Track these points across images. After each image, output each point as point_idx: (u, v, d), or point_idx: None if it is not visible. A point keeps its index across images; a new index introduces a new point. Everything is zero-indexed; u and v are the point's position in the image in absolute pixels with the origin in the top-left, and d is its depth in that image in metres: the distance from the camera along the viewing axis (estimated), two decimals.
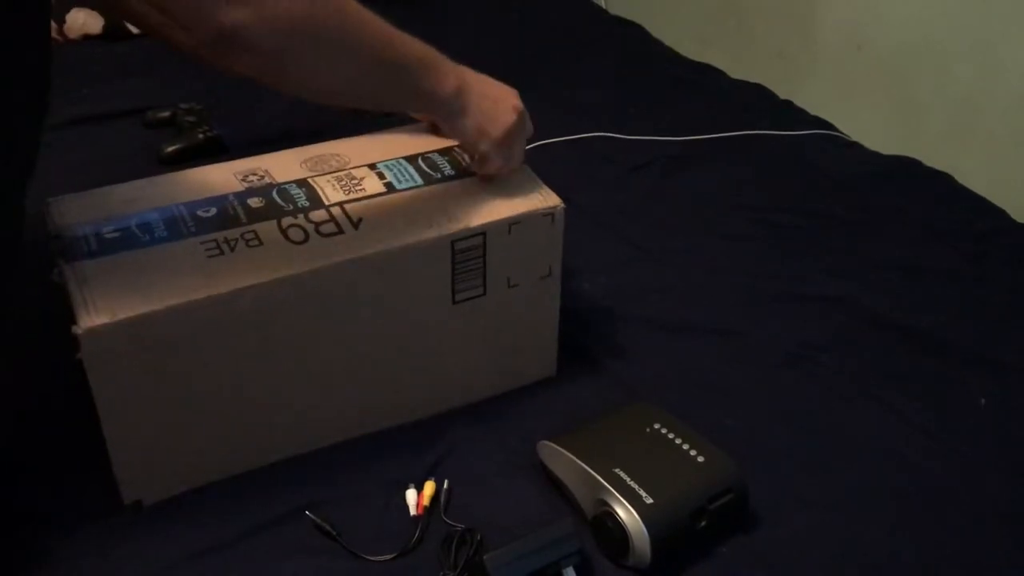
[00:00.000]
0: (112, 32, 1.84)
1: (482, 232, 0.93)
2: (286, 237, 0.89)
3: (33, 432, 0.97)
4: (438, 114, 0.96)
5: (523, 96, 0.98)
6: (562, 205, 0.96)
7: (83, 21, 1.85)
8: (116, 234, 0.88)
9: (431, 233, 0.91)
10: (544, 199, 0.97)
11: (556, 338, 1.05)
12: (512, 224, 0.94)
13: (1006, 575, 0.87)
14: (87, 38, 1.85)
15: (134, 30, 1.83)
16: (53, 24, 1.82)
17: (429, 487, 0.90)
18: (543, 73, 1.83)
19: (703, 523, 0.85)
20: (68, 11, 1.83)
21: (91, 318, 0.80)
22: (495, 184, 0.98)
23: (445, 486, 0.91)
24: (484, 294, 0.97)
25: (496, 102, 0.95)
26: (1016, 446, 1.00)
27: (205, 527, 0.87)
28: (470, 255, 0.94)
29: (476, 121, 0.94)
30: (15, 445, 0.95)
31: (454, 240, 0.92)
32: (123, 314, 0.81)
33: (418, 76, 0.89)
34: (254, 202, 0.93)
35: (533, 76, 1.80)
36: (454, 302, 0.96)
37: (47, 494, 0.91)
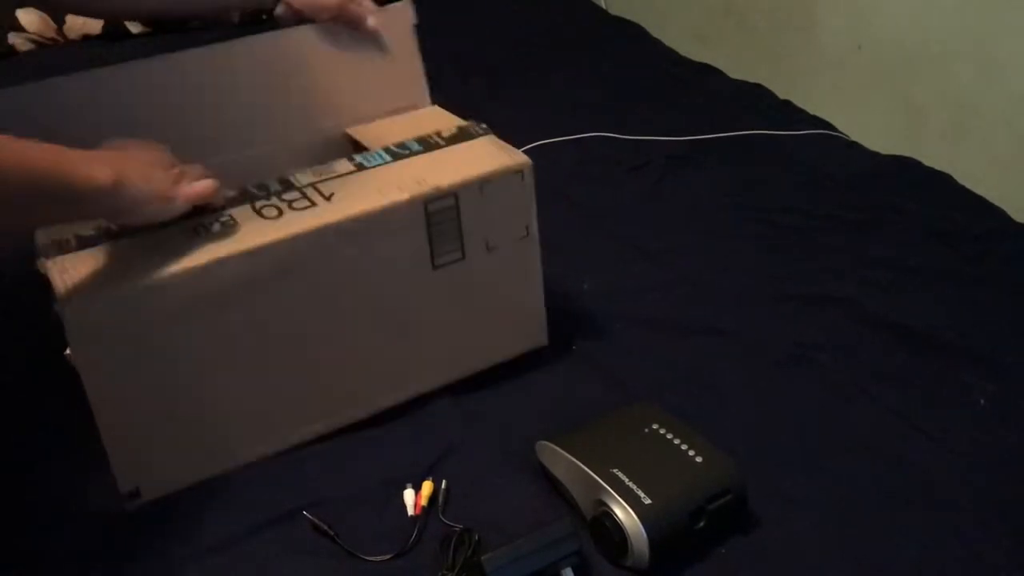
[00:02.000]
0: (112, 32, 1.84)
1: (454, 193, 0.94)
2: (261, 216, 0.91)
3: (33, 431, 0.97)
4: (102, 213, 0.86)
5: (524, 96, 0.98)
6: (531, 163, 0.98)
7: (83, 21, 1.85)
8: (95, 231, 0.89)
9: (403, 196, 0.92)
10: (512, 158, 0.98)
11: (543, 304, 1.06)
12: (483, 183, 0.96)
13: (1006, 575, 0.87)
14: (87, 38, 1.86)
15: (134, 30, 1.84)
16: (53, 24, 1.83)
17: (427, 487, 0.90)
18: (543, 73, 1.84)
19: (702, 523, 0.85)
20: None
21: (73, 296, 0.81)
22: (463, 151, 1.01)
23: (443, 486, 0.91)
24: (463, 258, 0.97)
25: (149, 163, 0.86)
26: (1015, 446, 1.00)
27: (204, 527, 0.87)
28: (444, 216, 0.95)
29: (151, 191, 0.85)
30: (15, 444, 0.95)
31: (427, 202, 0.93)
32: (105, 290, 0.82)
33: (65, 179, 0.78)
34: (228, 193, 0.95)
35: (533, 76, 1.81)
36: (434, 267, 0.96)
37: (47, 493, 0.91)
